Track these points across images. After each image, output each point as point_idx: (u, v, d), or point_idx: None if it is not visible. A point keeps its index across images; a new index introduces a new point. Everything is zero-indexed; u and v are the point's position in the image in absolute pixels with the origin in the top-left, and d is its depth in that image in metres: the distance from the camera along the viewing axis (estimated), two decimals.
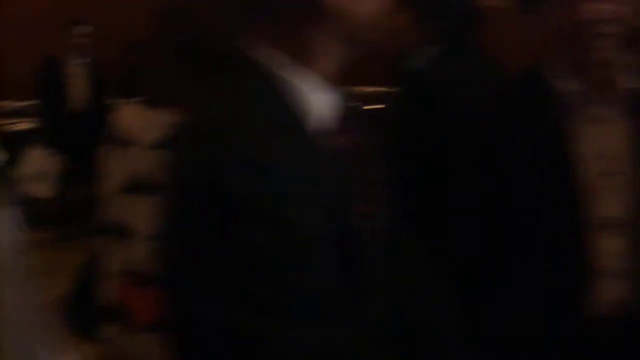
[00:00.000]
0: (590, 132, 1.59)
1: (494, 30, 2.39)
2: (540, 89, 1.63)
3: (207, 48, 1.71)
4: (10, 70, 7.21)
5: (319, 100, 1.23)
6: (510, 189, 1.60)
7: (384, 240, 1.37)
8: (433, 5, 2.27)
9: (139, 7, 2.87)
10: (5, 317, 1.80)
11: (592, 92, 1.59)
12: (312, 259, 1.15)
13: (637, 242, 1.58)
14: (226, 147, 1.11)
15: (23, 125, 6.65)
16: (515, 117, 1.62)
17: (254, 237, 1.08)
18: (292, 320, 1.09)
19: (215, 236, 1.09)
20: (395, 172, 2.26)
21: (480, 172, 1.64)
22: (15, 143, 5.92)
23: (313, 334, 1.11)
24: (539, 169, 1.59)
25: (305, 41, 1.23)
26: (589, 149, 1.59)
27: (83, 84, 6.37)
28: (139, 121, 1.94)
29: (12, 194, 1.99)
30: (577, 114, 1.59)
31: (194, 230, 1.12)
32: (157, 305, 1.29)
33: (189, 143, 1.19)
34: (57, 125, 6.23)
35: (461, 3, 2.30)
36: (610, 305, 1.59)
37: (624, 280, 1.59)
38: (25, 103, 6.91)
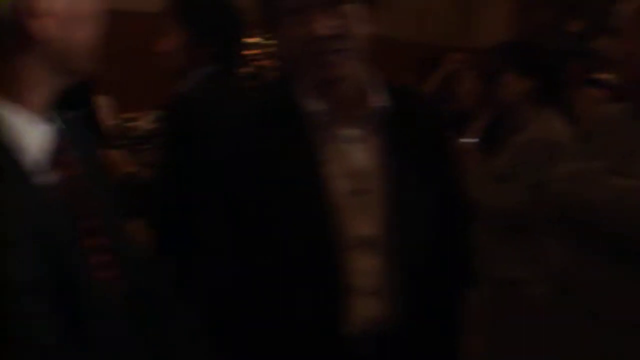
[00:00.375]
0: (339, 152, 1.59)
1: None
2: (289, 109, 1.61)
3: None
4: None
5: (31, 133, 1.17)
6: (261, 210, 1.57)
7: (117, 274, 1.32)
8: (206, 28, 2.24)
9: None
10: None
11: (338, 111, 1.59)
12: (22, 305, 1.09)
13: (389, 259, 1.59)
14: None
15: None
16: (264, 137, 1.59)
17: None
18: None
19: None
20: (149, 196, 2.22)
21: (231, 194, 1.59)
22: None
23: None
24: (289, 190, 1.57)
25: (13, 72, 1.16)
26: (338, 169, 1.58)
27: None
28: None
29: None
30: (325, 134, 1.59)
31: None
32: None
33: None
34: None
35: (234, 25, 2.29)
36: (366, 323, 1.59)
37: (378, 298, 1.60)
38: None
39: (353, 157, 1.60)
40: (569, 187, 1.76)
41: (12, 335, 1.08)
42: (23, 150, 1.15)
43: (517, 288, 2.65)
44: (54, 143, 1.21)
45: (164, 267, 1.56)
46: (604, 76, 3.77)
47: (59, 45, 1.17)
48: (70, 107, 1.28)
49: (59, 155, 1.21)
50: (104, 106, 4.46)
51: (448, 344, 1.72)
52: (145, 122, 4.29)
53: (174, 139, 2.07)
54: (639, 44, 1.74)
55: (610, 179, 1.70)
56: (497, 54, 2.82)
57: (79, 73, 1.23)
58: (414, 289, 1.61)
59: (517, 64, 2.70)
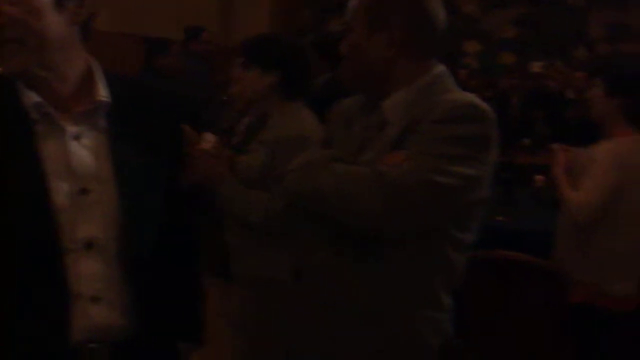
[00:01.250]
0: (63, 149, 1.49)
1: None
2: (8, 102, 1.48)
3: None
4: None
5: None
6: None
7: None
8: None
9: None
10: None
11: (57, 105, 1.49)
12: None
13: (113, 263, 1.51)
14: None
15: None
16: None
17: None
18: None
19: None
20: None
21: None
22: None
23: None
24: (8, 189, 1.44)
25: None
26: (61, 167, 1.48)
27: None
28: None
29: None
30: (48, 130, 1.48)
31: None
32: None
33: None
34: None
35: None
36: (94, 332, 1.50)
37: (105, 304, 1.51)
38: None
39: (77, 155, 1.50)
40: (298, 177, 1.75)
41: None
42: None
43: (273, 285, 2.63)
44: None
45: None
46: None
47: None
48: None
49: None
50: None
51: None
52: None
53: None
54: (362, 36, 1.76)
55: (334, 165, 1.70)
56: (242, 50, 2.77)
57: None
58: (143, 294, 1.53)
59: (260, 60, 2.66)
